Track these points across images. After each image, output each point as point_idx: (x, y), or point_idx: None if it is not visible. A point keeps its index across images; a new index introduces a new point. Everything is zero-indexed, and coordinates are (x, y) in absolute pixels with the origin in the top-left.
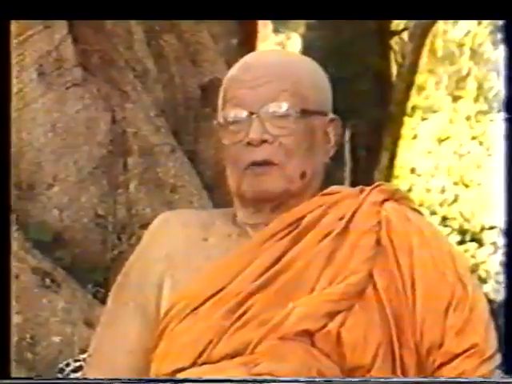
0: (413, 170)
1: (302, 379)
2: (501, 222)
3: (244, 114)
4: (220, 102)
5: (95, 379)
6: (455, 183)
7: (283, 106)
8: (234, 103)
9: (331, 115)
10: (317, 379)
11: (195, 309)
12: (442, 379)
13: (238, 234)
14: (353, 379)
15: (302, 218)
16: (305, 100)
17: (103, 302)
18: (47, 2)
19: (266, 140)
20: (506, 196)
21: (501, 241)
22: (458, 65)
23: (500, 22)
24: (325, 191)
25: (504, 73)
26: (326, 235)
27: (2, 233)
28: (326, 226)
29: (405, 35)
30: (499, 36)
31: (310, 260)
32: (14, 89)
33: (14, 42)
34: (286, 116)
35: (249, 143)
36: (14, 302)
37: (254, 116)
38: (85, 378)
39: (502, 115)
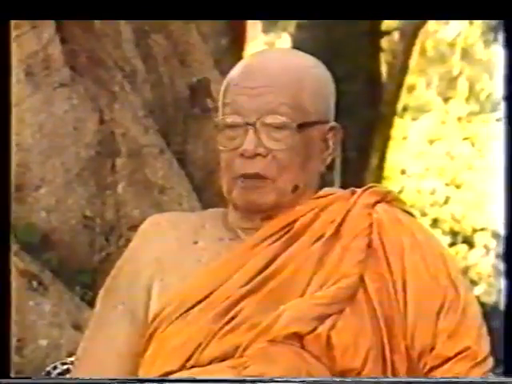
0: (403, 172)
1: (292, 379)
2: (494, 224)
3: (241, 121)
4: (220, 103)
5: (94, 379)
6: (446, 184)
7: (281, 120)
8: (233, 109)
9: (332, 123)
10: (306, 379)
11: (184, 312)
12: (441, 379)
13: (231, 238)
14: (343, 380)
15: (294, 221)
16: (305, 112)
17: (91, 304)
18: (37, 2)
19: (259, 153)
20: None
21: (494, 243)
22: (449, 65)
23: (493, 22)
24: (317, 194)
25: (504, 72)
26: (318, 239)
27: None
28: (318, 230)
29: (396, 35)
30: (491, 36)
31: (301, 264)
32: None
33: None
34: (282, 129)
35: (242, 154)
36: None
37: (249, 126)
38: (84, 378)
39: (497, 115)
